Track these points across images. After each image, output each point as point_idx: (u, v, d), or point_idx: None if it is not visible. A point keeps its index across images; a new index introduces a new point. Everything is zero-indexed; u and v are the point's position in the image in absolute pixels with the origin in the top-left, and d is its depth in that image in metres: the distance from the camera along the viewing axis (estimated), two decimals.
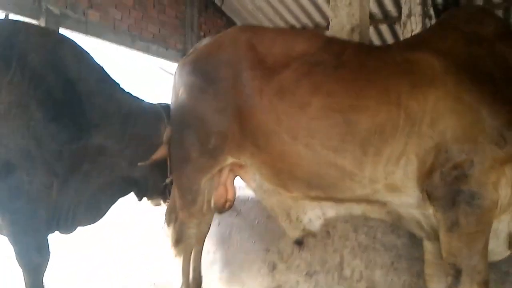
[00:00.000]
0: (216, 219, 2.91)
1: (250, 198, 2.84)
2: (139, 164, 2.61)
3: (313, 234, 2.33)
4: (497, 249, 1.92)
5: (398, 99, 1.91)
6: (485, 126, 1.76)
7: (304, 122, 2.03)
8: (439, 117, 1.84)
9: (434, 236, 1.99)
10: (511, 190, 1.79)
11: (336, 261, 2.64)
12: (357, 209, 2.19)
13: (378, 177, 1.96)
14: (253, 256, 2.96)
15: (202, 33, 7.03)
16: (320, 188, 2.13)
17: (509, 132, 1.73)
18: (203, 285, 2.83)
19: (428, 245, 2.12)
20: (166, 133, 2.62)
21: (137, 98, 2.84)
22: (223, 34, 2.47)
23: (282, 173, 2.18)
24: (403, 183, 1.94)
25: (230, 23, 7.45)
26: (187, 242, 2.50)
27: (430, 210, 1.89)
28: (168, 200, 2.76)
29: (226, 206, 2.65)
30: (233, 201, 2.67)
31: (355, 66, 2.05)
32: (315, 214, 2.29)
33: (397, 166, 1.92)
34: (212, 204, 2.61)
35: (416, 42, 2.13)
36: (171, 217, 2.54)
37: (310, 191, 2.19)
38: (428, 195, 1.86)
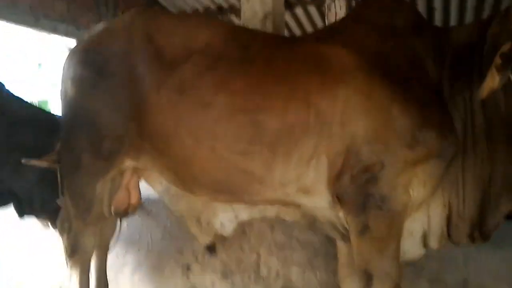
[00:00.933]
0: (124, 221, 2.64)
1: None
2: (22, 160, 2.27)
3: (225, 239, 2.17)
4: (412, 249, 1.87)
5: (307, 97, 1.75)
6: (397, 127, 1.66)
7: (207, 124, 1.81)
8: (349, 117, 1.71)
9: (348, 238, 1.91)
10: (423, 190, 1.72)
11: (253, 260, 2.52)
12: (271, 211, 2.06)
13: (288, 180, 1.81)
14: (166, 257, 2.75)
15: (120, 12, 6.42)
16: (229, 193, 1.95)
17: (420, 132, 1.64)
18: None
19: (342, 247, 2.04)
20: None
21: (30, 105, 2.53)
22: (117, 21, 2.15)
23: (186, 178, 1.97)
24: (314, 186, 1.81)
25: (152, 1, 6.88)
26: (83, 253, 2.22)
27: (341, 213, 1.80)
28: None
29: (128, 211, 2.39)
30: (138, 206, 2.42)
31: (263, 61, 1.85)
32: (227, 218, 2.12)
33: (307, 168, 1.78)
34: (112, 210, 2.34)
35: (328, 34, 1.97)
36: (64, 226, 2.23)
37: (219, 196, 2.00)
38: (338, 198, 1.76)
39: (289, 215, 2.04)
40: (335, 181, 1.75)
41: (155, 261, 2.78)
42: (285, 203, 1.95)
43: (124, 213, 2.40)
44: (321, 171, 1.78)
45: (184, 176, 1.97)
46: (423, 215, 1.84)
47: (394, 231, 1.73)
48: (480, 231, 1.79)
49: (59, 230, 2.27)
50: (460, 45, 1.80)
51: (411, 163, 1.67)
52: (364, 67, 1.75)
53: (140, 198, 2.42)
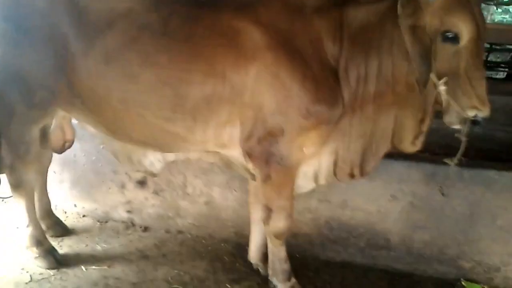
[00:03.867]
0: None
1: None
2: None
3: (154, 175, 2.53)
4: (306, 185, 2.35)
5: (223, 72, 1.99)
6: (295, 102, 2.00)
7: (134, 94, 2.03)
8: (258, 91, 2.01)
9: (255, 178, 2.36)
10: (314, 147, 2.15)
11: (180, 181, 2.95)
12: (194, 155, 2.41)
13: (208, 139, 2.15)
14: (101, 177, 3.09)
15: None
16: (157, 146, 2.26)
17: (314, 107, 2.00)
18: (53, 201, 2.95)
19: (251, 182, 2.51)
20: None
21: None
22: None
23: (117, 133, 2.23)
24: (229, 143, 2.18)
25: None
26: (26, 186, 2.50)
27: (249, 164, 2.21)
28: None
29: (65, 147, 2.64)
30: (73, 140, 2.66)
31: (183, 35, 2.01)
32: (155, 158, 2.46)
33: (223, 130, 2.13)
34: (52, 148, 2.57)
35: (244, 6, 2.09)
36: (5, 163, 2.45)
37: (148, 147, 2.31)
38: (248, 154, 2.15)
39: (210, 158, 2.43)
40: (245, 141, 2.13)
41: (92, 179, 3.11)
42: (206, 152, 2.31)
43: (61, 149, 2.65)
44: (235, 132, 2.14)
45: (115, 131, 2.23)
46: (315, 160, 2.29)
47: (289, 179, 2.20)
48: (360, 171, 2.30)
49: (2, 167, 2.49)
50: (357, 26, 2.05)
51: (305, 130, 2.07)
52: (274, 46, 1.99)
53: (74, 133, 2.65)
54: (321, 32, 2.04)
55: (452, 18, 1.79)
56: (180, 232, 3.08)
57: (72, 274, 2.61)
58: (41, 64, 2.11)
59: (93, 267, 2.68)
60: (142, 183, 2.82)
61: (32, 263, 2.63)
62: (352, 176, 2.33)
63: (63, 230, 2.97)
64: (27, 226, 2.58)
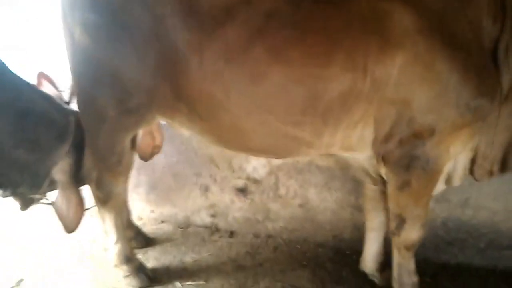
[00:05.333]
0: None
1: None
2: None
3: (257, 182, 2.25)
4: (437, 188, 2.05)
5: (364, 64, 1.67)
6: (453, 97, 1.68)
7: (260, 97, 1.71)
8: (405, 84, 1.68)
9: (378, 182, 2.06)
10: (461, 147, 1.85)
11: (272, 182, 2.66)
12: (304, 159, 2.12)
13: (335, 142, 1.85)
14: (183, 179, 2.83)
15: None
16: (274, 154, 1.97)
17: (474, 101, 1.68)
18: (130, 204, 2.71)
19: (370, 185, 2.20)
20: None
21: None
22: None
23: (231, 141, 1.93)
24: (358, 145, 1.87)
25: None
26: (116, 200, 2.24)
27: (382, 169, 1.90)
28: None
29: (154, 153, 2.36)
30: (161, 146, 2.38)
31: (318, 20, 1.67)
32: (260, 163, 2.18)
33: (354, 130, 1.82)
34: (139, 156, 2.30)
35: None
36: (92, 177, 2.18)
37: (263, 155, 2.01)
38: (383, 158, 1.84)
39: (323, 161, 2.13)
40: (381, 143, 1.82)
41: (171, 182, 2.86)
42: (326, 156, 2.01)
43: (150, 156, 2.37)
44: (367, 133, 1.82)
45: (228, 140, 1.93)
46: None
47: (431, 185, 1.90)
48: (501, 167, 1.98)
49: (87, 179, 2.22)
50: None
51: (458, 128, 1.75)
52: (426, 30, 1.65)
53: (163, 138, 2.37)
54: (480, 8, 1.69)
55: None
56: (270, 236, 2.81)
57: None
58: (141, 63, 1.80)
59: (189, 282, 2.44)
60: (243, 191, 2.55)
61: (123, 282, 2.40)
62: (491, 173, 2.02)
63: (145, 241, 2.73)
64: (116, 243, 2.33)
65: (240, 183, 2.50)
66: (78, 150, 2.13)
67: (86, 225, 2.51)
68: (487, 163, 1.97)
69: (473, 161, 1.99)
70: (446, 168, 1.96)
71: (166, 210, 2.94)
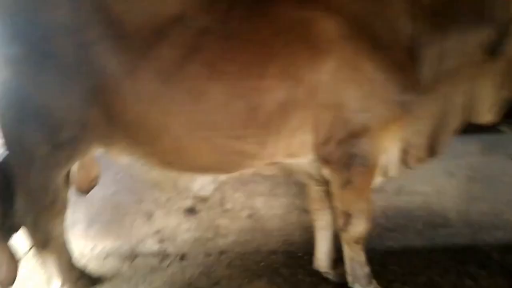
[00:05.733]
0: None
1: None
2: None
3: (205, 200, 2.22)
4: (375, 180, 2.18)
5: (298, 73, 1.74)
6: (381, 94, 1.79)
7: (201, 114, 1.70)
8: (337, 89, 1.77)
9: (321, 182, 2.14)
10: (392, 139, 1.97)
11: (217, 199, 2.64)
12: (249, 171, 2.13)
13: (278, 151, 1.90)
14: (124, 209, 2.70)
15: None
16: (220, 170, 1.95)
17: (399, 96, 1.81)
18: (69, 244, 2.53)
19: (314, 187, 2.28)
20: None
21: None
22: None
23: (175, 162, 1.88)
24: (300, 151, 1.94)
25: None
26: (57, 240, 2.08)
27: (325, 170, 1.98)
28: None
29: (92, 186, 2.24)
30: (99, 177, 2.26)
31: (249, 34, 1.71)
32: (206, 180, 2.15)
33: (295, 137, 1.87)
34: (76, 190, 2.17)
35: None
36: (27, 221, 2.00)
37: (208, 172, 1.99)
38: (325, 160, 1.92)
39: (267, 171, 2.16)
40: (321, 146, 1.89)
41: (111, 214, 2.71)
42: (270, 165, 2.04)
43: (88, 189, 2.24)
44: (307, 138, 1.89)
45: (172, 162, 1.88)
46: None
47: (371, 179, 2.01)
48: (430, 153, 2.15)
49: (22, 224, 2.03)
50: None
51: (389, 123, 1.87)
52: (350, 35, 1.75)
53: (100, 169, 2.25)
54: (396, 10, 1.82)
55: None
56: (222, 252, 2.78)
57: None
58: (69, 93, 1.71)
59: None
60: (191, 211, 2.48)
61: None
62: (421, 160, 2.18)
63: (91, 281, 2.54)
64: (62, 286, 2.17)
65: (188, 203, 2.44)
66: (2, 199, 1.95)
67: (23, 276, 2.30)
68: (416, 150, 2.13)
69: (404, 151, 2.15)
70: (381, 161, 2.09)
71: (109, 244, 2.78)
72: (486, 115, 2.03)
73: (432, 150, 2.14)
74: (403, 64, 1.82)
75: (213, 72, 1.68)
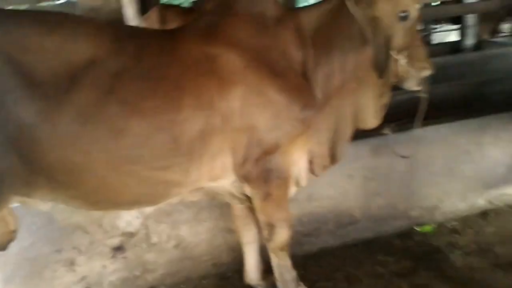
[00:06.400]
0: None
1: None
2: None
3: (132, 235, 2.25)
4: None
5: (211, 103, 1.90)
6: (285, 113, 2.04)
7: (123, 151, 1.76)
8: (247, 113, 1.98)
9: (244, 201, 2.31)
10: (301, 152, 2.21)
11: (143, 234, 2.65)
12: (176, 199, 2.22)
13: (202, 176, 2.03)
14: (42, 261, 2.57)
15: None
16: (148, 203, 2.02)
17: (301, 114, 2.07)
18: None
19: (237, 206, 2.44)
20: None
21: None
22: None
23: (101, 201, 1.90)
24: (222, 173, 2.09)
25: None
26: None
27: (246, 188, 2.15)
28: None
29: (11, 240, 2.13)
30: (17, 230, 2.15)
31: (161, 71, 1.84)
32: (132, 215, 2.18)
33: (216, 162, 2.02)
34: None
35: (206, 29, 2.01)
36: None
37: (135, 207, 2.04)
38: (245, 178, 2.10)
39: (193, 197, 2.26)
40: (240, 166, 2.07)
41: (30, 268, 2.56)
42: (194, 191, 2.15)
43: (7, 244, 2.12)
44: (227, 161, 2.06)
45: (97, 202, 1.89)
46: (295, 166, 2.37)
47: (287, 190, 2.24)
48: (331, 160, 2.45)
49: None
50: (313, 28, 2.18)
51: (295, 138, 2.12)
52: (250, 64, 1.98)
53: (18, 222, 2.14)
54: (286, 41, 2.11)
55: None
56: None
57: None
58: None
59: None
60: (120, 249, 2.44)
61: None
62: (325, 168, 2.48)
63: None
64: None
65: (116, 241, 2.42)
66: None
67: None
68: (320, 160, 2.42)
69: (310, 162, 2.42)
70: (293, 173, 2.34)
71: None
72: (372, 121, 2.40)
73: (333, 157, 2.45)
74: (300, 86, 2.10)
75: (131, 109, 1.76)
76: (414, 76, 2.22)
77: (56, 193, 1.84)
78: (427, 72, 2.22)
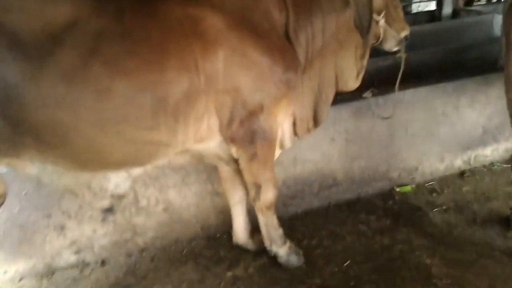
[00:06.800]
0: None
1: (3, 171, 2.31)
2: None
3: (122, 197, 2.29)
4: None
5: (195, 64, 1.94)
6: (269, 75, 2.09)
7: (109, 111, 1.79)
8: (231, 74, 2.02)
9: (230, 162, 2.37)
10: (284, 113, 2.28)
11: (131, 197, 2.70)
12: (163, 161, 2.26)
13: (188, 137, 2.07)
14: (32, 227, 2.60)
15: None
16: (136, 163, 2.06)
17: (284, 75, 2.12)
18: None
19: (224, 168, 2.50)
20: None
21: None
22: None
23: (90, 162, 1.93)
24: (208, 134, 2.14)
25: None
26: None
27: (232, 149, 2.21)
28: None
29: (1, 203, 2.15)
30: (6, 194, 2.18)
31: (144, 32, 1.85)
32: (120, 178, 2.23)
33: (201, 123, 2.07)
34: None
35: None
36: None
37: (124, 167, 2.08)
38: (231, 139, 2.15)
39: (180, 160, 2.31)
40: (226, 127, 2.12)
41: (19, 234, 2.59)
42: (179, 153, 2.20)
43: None
44: (212, 122, 2.10)
45: (86, 162, 1.93)
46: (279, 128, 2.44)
47: (272, 151, 2.31)
48: (314, 123, 2.52)
49: None
50: None
51: (279, 100, 2.17)
52: (235, 26, 2.01)
53: (6, 186, 2.17)
54: (268, 3, 2.13)
55: None
56: (143, 250, 2.85)
57: None
58: None
59: None
60: (109, 210, 2.48)
61: None
62: (308, 130, 2.55)
63: None
64: None
65: (106, 203, 2.46)
66: None
67: None
68: (303, 122, 2.49)
69: (294, 124, 2.49)
70: (278, 135, 2.40)
71: (22, 265, 2.66)
72: (353, 83, 2.47)
73: (316, 120, 2.52)
74: (283, 48, 2.14)
75: (115, 70, 1.78)
76: (393, 37, 2.30)
77: (44, 154, 1.86)
78: (405, 32, 2.29)
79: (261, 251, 2.67)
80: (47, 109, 1.73)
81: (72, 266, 2.74)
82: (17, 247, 2.63)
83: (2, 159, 1.86)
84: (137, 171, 2.23)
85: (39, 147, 1.83)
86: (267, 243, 2.56)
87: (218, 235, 2.94)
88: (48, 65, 1.69)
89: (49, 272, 2.71)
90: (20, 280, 2.67)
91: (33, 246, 2.65)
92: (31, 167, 2.01)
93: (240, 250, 2.76)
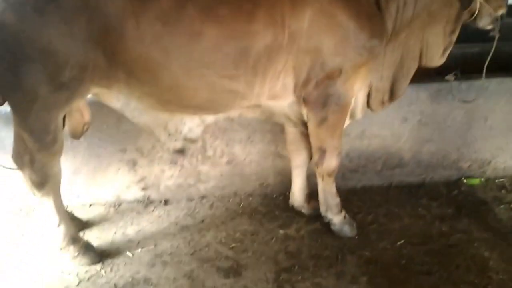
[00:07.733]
0: None
1: (91, 102, 2.50)
2: None
3: (194, 142, 2.41)
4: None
5: (282, 20, 1.96)
6: (352, 40, 2.07)
7: (197, 54, 1.89)
8: (315, 34, 2.03)
9: (298, 124, 2.40)
10: (362, 83, 2.27)
11: (199, 146, 2.84)
12: (235, 113, 2.35)
13: (264, 92, 2.13)
14: (107, 159, 2.82)
15: None
16: (212, 110, 2.15)
17: (369, 42, 2.09)
18: None
19: (291, 130, 2.54)
20: None
21: None
22: None
23: (171, 102, 2.06)
24: (282, 93, 2.18)
25: None
26: (53, 182, 2.20)
27: (303, 111, 2.24)
28: None
29: (84, 130, 2.36)
30: (90, 122, 2.38)
31: None
32: (194, 123, 2.34)
33: (278, 80, 2.12)
34: (70, 134, 2.29)
35: None
36: (24, 160, 2.11)
37: (200, 112, 2.18)
38: (304, 100, 2.18)
39: (250, 113, 2.39)
40: (301, 88, 2.15)
41: (95, 164, 2.83)
42: (253, 107, 2.26)
43: (81, 134, 2.36)
44: (288, 81, 2.14)
45: (169, 101, 2.05)
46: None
47: (344, 118, 2.30)
48: (390, 97, 2.47)
49: (17, 165, 2.15)
50: None
51: (358, 66, 2.15)
52: None
53: (90, 116, 2.37)
54: None
55: None
56: (203, 197, 3.00)
57: (121, 262, 2.44)
58: (71, 35, 1.81)
59: (139, 250, 2.53)
60: (181, 151, 2.64)
61: (72, 264, 2.39)
62: (383, 103, 2.50)
63: (80, 224, 2.70)
64: (58, 225, 2.29)
65: (178, 144, 2.62)
66: None
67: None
68: (379, 94, 2.45)
69: (369, 95, 2.45)
70: (352, 103, 2.38)
71: (94, 193, 2.91)
72: (439, 59, 2.37)
73: (393, 94, 2.46)
74: (372, 15, 2.10)
75: (207, 15, 1.87)
76: (489, 14, 2.18)
77: (132, 89, 2.00)
78: (502, 10, 2.18)
79: (314, 216, 2.72)
80: (143, 45, 1.85)
81: (138, 201, 2.96)
82: (92, 175, 2.87)
83: (93, 88, 2.02)
84: (209, 119, 2.32)
85: (129, 82, 1.97)
86: (322, 209, 2.60)
87: (274, 195, 3.01)
88: (147, 4, 1.80)
89: (117, 202, 2.95)
90: (90, 206, 2.93)
91: (106, 177, 2.88)
92: (116, 101, 2.18)
93: (295, 212, 2.82)
